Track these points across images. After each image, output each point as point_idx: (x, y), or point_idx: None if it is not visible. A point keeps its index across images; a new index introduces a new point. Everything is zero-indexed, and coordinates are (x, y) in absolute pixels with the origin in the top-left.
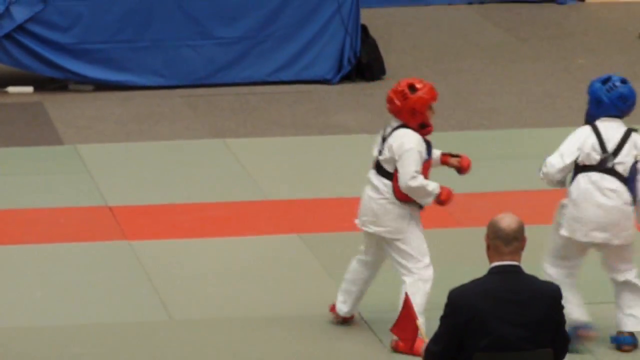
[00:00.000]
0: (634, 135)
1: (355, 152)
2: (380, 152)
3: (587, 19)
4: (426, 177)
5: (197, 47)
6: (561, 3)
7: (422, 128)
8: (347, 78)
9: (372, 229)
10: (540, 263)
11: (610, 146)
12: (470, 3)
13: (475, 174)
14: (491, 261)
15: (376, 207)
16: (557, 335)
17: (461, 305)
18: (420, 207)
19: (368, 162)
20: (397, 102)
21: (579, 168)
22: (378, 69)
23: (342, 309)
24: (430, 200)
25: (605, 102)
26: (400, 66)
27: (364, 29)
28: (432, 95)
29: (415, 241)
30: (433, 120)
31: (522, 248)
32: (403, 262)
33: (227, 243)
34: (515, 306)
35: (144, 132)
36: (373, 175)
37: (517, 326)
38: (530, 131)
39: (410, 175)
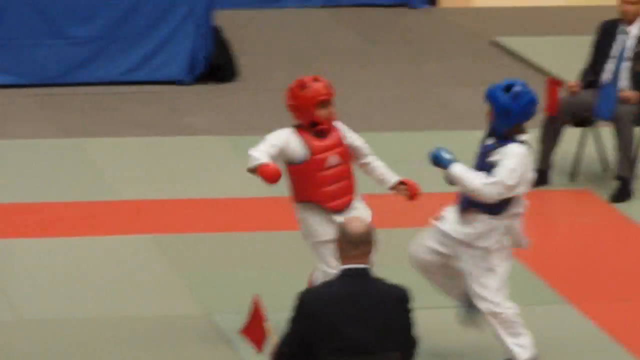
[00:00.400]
0: None
1: (206, 153)
2: None
3: (439, 24)
4: (323, 179)
5: (50, 46)
6: (413, 7)
7: (313, 126)
8: (200, 79)
9: None
10: (389, 265)
11: None
12: (323, 6)
13: None
14: (341, 263)
15: None
16: (404, 338)
17: (310, 308)
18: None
19: (220, 163)
20: (288, 101)
21: None
22: (231, 71)
23: None
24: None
25: (515, 111)
26: (254, 68)
27: (218, 30)
28: (318, 93)
29: None
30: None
31: (369, 251)
32: None
33: (78, 243)
34: (363, 310)
35: None
36: None
37: (365, 329)
38: (381, 135)
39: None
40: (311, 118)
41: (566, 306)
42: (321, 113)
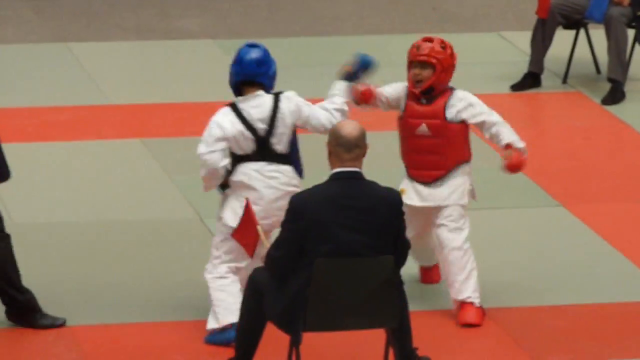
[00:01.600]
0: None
1: (198, 57)
2: None
3: None
4: None
5: None
6: None
7: None
8: None
9: None
10: (383, 169)
11: None
12: None
13: (317, 80)
14: (332, 167)
15: None
16: (397, 241)
17: (302, 211)
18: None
19: (211, 67)
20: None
21: None
22: None
23: None
24: None
25: None
26: None
27: None
28: (412, 53)
29: None
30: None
31: (363, 155)
32: None
33: (70, 147)
34: (356, 212)
35: None
36: None
37: (357, 232)
38: (373, 38)
39: None
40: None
41: (559, 208)
42: (413, 74)
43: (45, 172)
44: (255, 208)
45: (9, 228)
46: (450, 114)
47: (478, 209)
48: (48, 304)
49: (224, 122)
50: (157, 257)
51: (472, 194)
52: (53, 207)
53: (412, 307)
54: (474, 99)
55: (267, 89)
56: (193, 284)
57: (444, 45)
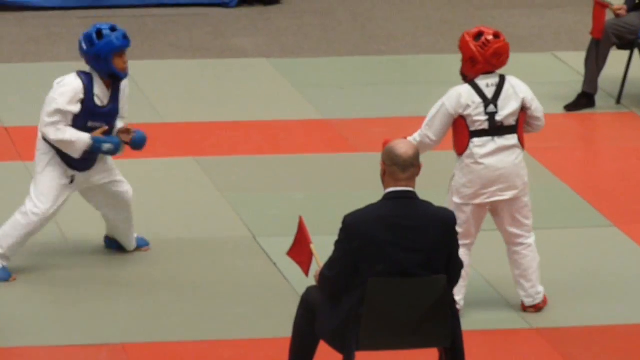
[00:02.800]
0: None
1: (252, 75)
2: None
3: None
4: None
5: None
6: None
7: None
8: (245, 1)
9: (508, 194)
10: (435, 189)
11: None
12: None
13: (372, 99)
14: (386, 187)
15: (511, 168)
16: (450, 261)
17: (356, 230)
18: None
19: (264, 85)
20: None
21: None
22: None
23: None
24: None
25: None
26: None
27: None
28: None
29: None
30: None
31: (417, 174)
32: (527, 221)
33: (124, 165)
34: (410, 232)
35: (40, 53)
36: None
37: (411, 252)
38: (427, 57)
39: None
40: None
41: (612, 229)
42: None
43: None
44: None
45: (63, 246)
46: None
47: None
48: (99, 322)
49: None
50: (211, 275)
51: (455, 192)
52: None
53: (465, 326)
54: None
55: None
56: (246, 302)
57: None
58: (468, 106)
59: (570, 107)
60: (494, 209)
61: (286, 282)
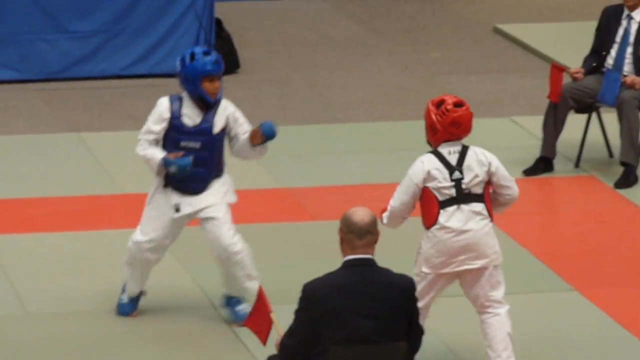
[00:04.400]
0: None
1: None
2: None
3: (441, 12)
4: None
5: (52, 41)
6: None
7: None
8: None
9: (477, 263)
10: (393, 256)
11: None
12: None
13: (330, 167)
14: (345, 254)
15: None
16: (411, 328)
17: (316, 299)
18: None
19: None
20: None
21: None
22: (232, 63)
23: None
24: None
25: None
26: (255, 60)
27: (218, 22)
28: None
29: None
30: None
31: (375, 241)
32: (496, 293)
33: (82, 237)
34: (369, 299)
35: None
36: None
37: (371, 319)
38: (384, 124)
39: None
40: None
41: (573, 293)
42: None
43: (57, 261)
44: None
45: (23, 318)
46: None
47: None
48: None
49: None
50: (174, 346)
51: (424, 261)
52: (67, 297)
53: None
54: None
55: None
56: None
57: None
58: (432, 174)
59: (528, 172)
60: (463, 278)
61: (247, 351)
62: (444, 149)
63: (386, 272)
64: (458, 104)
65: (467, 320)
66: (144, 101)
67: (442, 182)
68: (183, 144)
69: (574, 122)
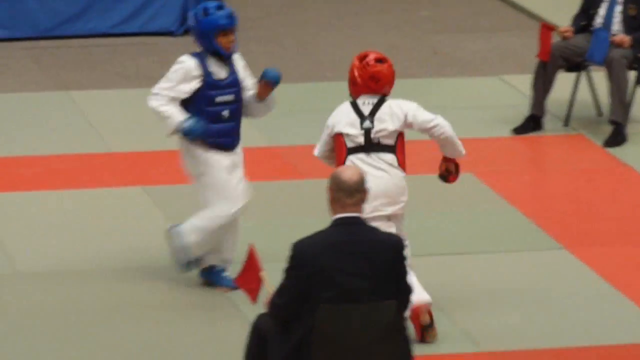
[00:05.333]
0: None
1: None
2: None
3: None
4: None
5: None
6: None
7: None
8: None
9: (388, 209)
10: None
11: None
12: None
13: (319, 126)
14: (334, 213)
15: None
16: (399, 286)
17: (305, 257)
18: None
19: None
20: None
21: None
22: None
23: None
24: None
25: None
26: (245, 18)
27: None
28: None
29: None
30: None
31: (363, 200)
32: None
33: (71, 195)
34: (358, 258)
35: None
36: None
37: (360, 278)
38: None
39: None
40: None
41: (562, 251)
42: None
43: (47, 220)
44: None
45: (12, 277)
46: None
47: (479, 252)
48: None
49: None
50: (163, 301)
51: None
52: (56, 256)
53: (417, 351)
54: None
55: None
56: (198, 330)
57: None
58: (345, 121)
59: (518, 130)
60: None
61: (237, 310)
62: (360, 100)
63: (375, 231)
64: (379, 60)
65: (456, 280)
66: (133, 59)
67: (352, 130)
68: (218, 99)
69: (563, 81)
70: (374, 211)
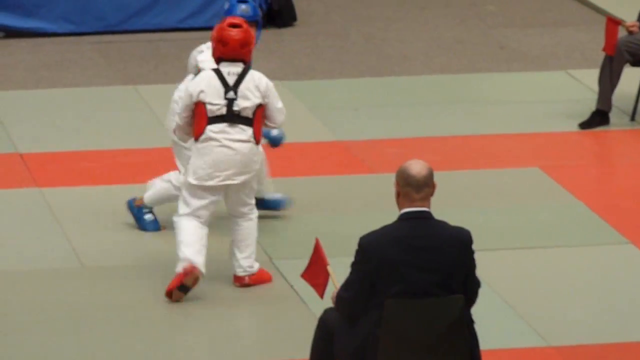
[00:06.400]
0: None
1: None
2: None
3: None
4: None
5: None
6: None
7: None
8: None
9: (239, 178)
10: (450, 209)
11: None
12: None
13: (387, 120)
14: (401, 208)
15: (244, 159)
16: (468, 281)
17: (372, 252)
18: None
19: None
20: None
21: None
22: (289, 16)
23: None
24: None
25: None
26: (312, 13)
27: None
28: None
29: None
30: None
31: (431, 194)
32: (251, 200)
33: (138, 190)
34: (426, 252)
35: (54, 79)
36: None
37: (428, 272)
38: (441, 77)
39: (284, 112)
40: None
41: (629, 246)
42: None
43: (115, 215)
44: None
45: (79, 271)
46: None
47: (546, 247)
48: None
49: None
50: (230, 297)
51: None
52: (121, 250)
53: (483, 346)
54: None
55: None
56: (264, 324)
57: None
58: (209, 90)
59: (584, 125)
60: (227, 191)
61: (303, 304)
62: (224, 69)
63: (443, 225)
64: (234, 25)
65: (523, 274)
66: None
67: (216, 99)
68: None
69: (630, 75)
70: (226, 180)
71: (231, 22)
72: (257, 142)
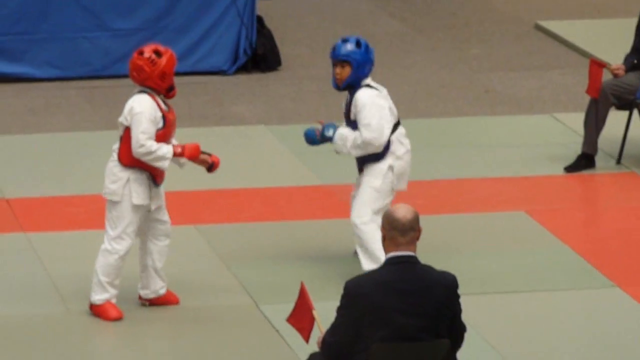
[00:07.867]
0: None
1: (251, 142)
2: None
3: (482, 9)
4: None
5: (93, 39)
6: None
7: (170, 91)
8: (243, 69)
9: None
10: (436, 253)
11: None
12: None
13: None
14: (387, 251)
15: (107, 170)
16: (453, 325)
17: (358, 296)
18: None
19: (264, 153)
20: (147, 69)
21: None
22: (274, 60)
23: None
24: (166, 163)
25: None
26: (296, 57)
27: (260, 20)
28: (174, 59)
29: (121, 211)
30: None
31: (417, 238)
32: (106, 225)
33: None
34: (412, 296)
35: (40, 124)
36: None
37: (414, 316)
38: (426, 121)
39: (138, 143)
40: (170, 82)
41: (614, 289)
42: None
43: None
44: None
45: (65, 316)
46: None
47: (532, 291)
48: None
49: None
50: (212, 344)
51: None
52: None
53: None
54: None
55: None
56: None
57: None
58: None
59: (570, 169)
60: None
61: (289, 349)
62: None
63: (429, 269)
64: (140, 53)
65: (509, 318)
66: (185, 98)
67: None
68: None
69: (615, 119)
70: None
71: (140, 50)
72: (119, 160)
